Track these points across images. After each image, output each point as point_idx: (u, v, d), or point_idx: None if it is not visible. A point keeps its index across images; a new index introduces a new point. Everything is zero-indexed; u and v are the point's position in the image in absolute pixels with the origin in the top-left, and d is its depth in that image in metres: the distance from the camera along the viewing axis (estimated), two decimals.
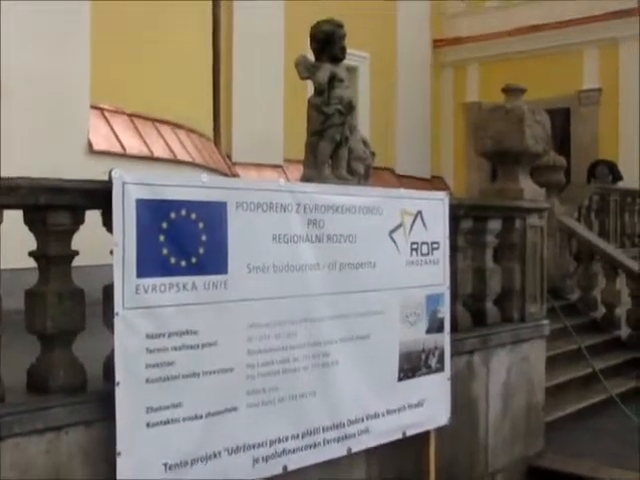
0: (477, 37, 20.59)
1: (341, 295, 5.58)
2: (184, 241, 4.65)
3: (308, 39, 6.78)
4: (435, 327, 6.43)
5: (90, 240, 4.80)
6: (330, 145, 6.16)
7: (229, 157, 15.24)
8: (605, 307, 12.57)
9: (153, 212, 4.51)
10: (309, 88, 6.80)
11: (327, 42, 6.32)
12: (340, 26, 6.38)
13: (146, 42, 10.74)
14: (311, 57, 6.52)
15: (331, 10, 16.53)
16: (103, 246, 4.46)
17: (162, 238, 4.54)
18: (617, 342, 12.13)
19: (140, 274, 4.43)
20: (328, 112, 6.10)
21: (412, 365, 6.22)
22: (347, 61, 6.79)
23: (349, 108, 6.23)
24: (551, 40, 19.23)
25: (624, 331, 12.35)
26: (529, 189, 8.27)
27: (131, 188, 4.42)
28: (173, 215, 4.59)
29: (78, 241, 4.62)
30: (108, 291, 4.44)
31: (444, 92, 21.32)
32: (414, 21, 20.57)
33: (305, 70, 6.26)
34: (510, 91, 8.40)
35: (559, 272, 12.65)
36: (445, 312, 6.52)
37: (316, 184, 5.76)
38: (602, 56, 18.82)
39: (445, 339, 6.54)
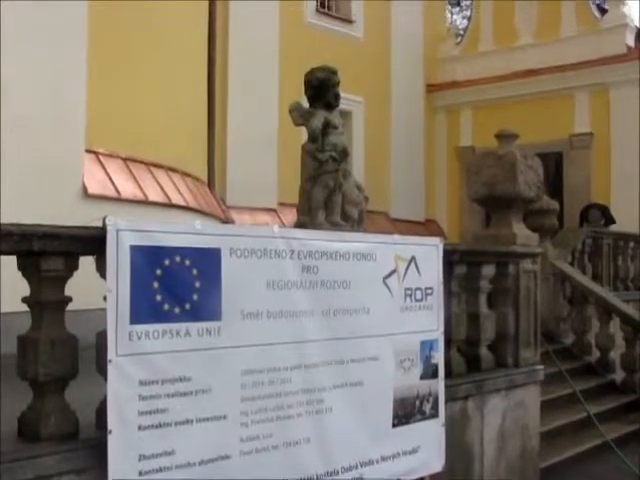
0: (470, 81, 20.80)
1: (335, 341, 5.57)
2: (178, 287, 4.64)
3: (302, 85, 6.85)
4: (429, 373, 6.40)
5: (84, 284, 4.79)
6: (324, 191, 6.18)
7: (223, 200, 15.28)
8: (599, 351, 12.55)
9: (147, 259, 4.51)
10: (303, 132, 6.85)
11: (321, 89, 6.36)
12: (334, 73, 6.44)
13: (141, 87, 10.82)
14: (305, 103, 6.57)
15: (326, 54, 16.85)
16: (97, 290, 4.46)
17: (156, 285, 4.54)
18: (612, 386, 12.08)
19: (134, 321, 4.42)
20: (322, 159, 6.13)
21: (406, 411, 6.19)
22: (341, 105, 6.83)
23: (343, 155, 6.27)
24: (543, 85, 19.44)
25: (619, 375, 12.32)
26: (522, 234, 8.29)
27: (125, 235, 4.43)
28: (167, 262, 4.59)
29: (71, 285, 4.62)
30: (101, 337, 4.43)
31: (438, 136, 21.47)
32: (408, 65, 20.77)
33: (299, 117, 6.30)
34: (503, 137, 8.46)
35: (553, 316, 12.65)
36: (439, 358, 6.50)
37: (310, 230, 5.77)
38: (593, 101, 19.02)
39: (439, 385, 6.51)
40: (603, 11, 20.18)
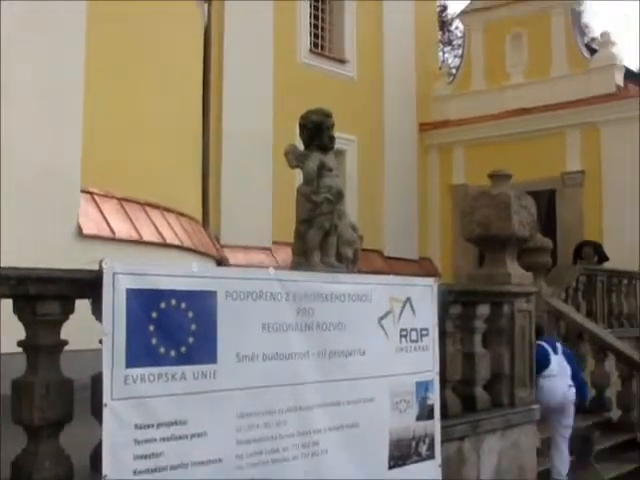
0: (463, 120, 20.96)
1: (331, 383, 5.56)
2: (174, 331, 4.65)
3: (297, 124, 6.90)
4: (425, 414, 6.39)
5: (79, 323, 4.79)
6: (319, 233, 6.22)
7: (217, 239, 15.30)
8: (595, 389, 12.51)
9: (143, 302, 4.52)
10: (298, 171, 6.89)
11: (316, 131, 6.42)
12: (329, 116, 6.50)
13: (137, 128, 10.89)
14: (300, 145, 6.63)
15: (319, 94, 17.01)
16: (92, 329, 4.46)
17: (152, 328, 4.54)
18: (608, 424, 12.04)
19: (129, 364, 4.42)
20: (317, 201, 6.17)
21: (402, 453, 6.16)
22: (335, 145, 6.89)
23: (338, 197, 6.31)
24: (535, 123, 19.60)
25: (615, 413, 12.28)
26: (516, 273, 8.32)
27: (121, 278, 4.44)
28: (163, 305, 4.60)
29: (66, 324, 4.61)
30: (96, 381, 4.42)
31: (431, 174, 21.59)
32: (401, 104, 20.93)
33: (294, 159, 6.35)
34: (496, 177, 8.51)
35: None
36: (435, 398, 6.48)
37: (305, 272, 5.79)
38: (584, 139, 19.18)
39: (435, 426, 6.49)
40: (592, 51, 20.42)
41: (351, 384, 5.72)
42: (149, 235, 10.95)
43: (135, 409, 4.42)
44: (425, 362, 6.42)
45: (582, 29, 27.04)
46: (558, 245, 17.60)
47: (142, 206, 11.18)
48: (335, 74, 19.25)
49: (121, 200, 10.84)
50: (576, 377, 9.78)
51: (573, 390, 9.58)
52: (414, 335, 6.28)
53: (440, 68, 23.89)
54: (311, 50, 18.98)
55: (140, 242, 10.68)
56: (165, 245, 11.16)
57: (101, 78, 10.11)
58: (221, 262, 14.49)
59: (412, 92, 21.56)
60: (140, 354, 4.47)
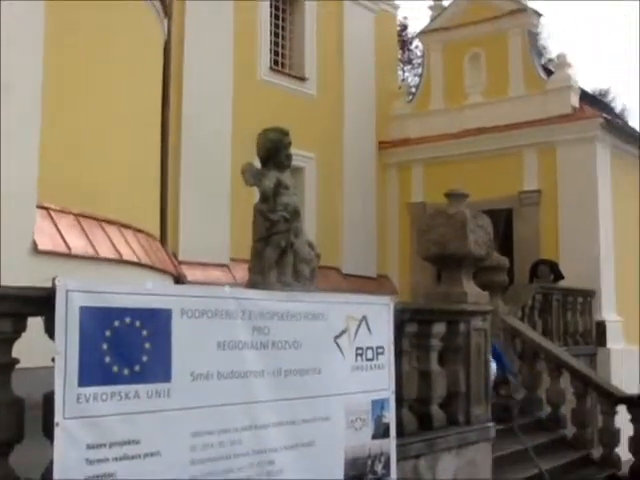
0: (421, 139, 21.08)
1: (286, 402, 5.56)
2: (127, 349, 4.62)
3: (255, 142, 6.90)
4: (381, 432, 6.40)
5: (31, 341, 4.73)
6: (275, 251, 6.22)
7: (175, 256, 15.22)
8: (550, 406, 12.63)
9: (97, 320, 4.49)
10: (257, 189, 6.88)
11: (273, 150, 6.44)
12: (286, 134, 6.52)
13: (94, 144, 10.81)
14: (257, 164, 6.63)
15: (279, 111, 17.03)
16: (46, 347, 4.41)
17: (105, 346, 4.51)
18: (563, 441, 12.16)
19: (82, 383, 4.39)
20: (274, 219, 6.18)
21: (358, 471, 6.17)
22: (294, 161, 6.90)
23: (295, 215, 6.32)
24: (493, 143, 19.77)
25: (570, 430, 12.40)
26: (472, 292, 8.38)
27: (75, 296, 4.40)
28: (117, 323, 4.58)
29: (19, 342, 4.56)
30: (48, 399, 4.37)
31: (389, 192, 21.65)
32: (360, 122, 21.01)
33: (251, 177, 6.35)
34: (453, 196, 8.59)
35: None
36: (391, 417, 6.51)
37: (261, 291, 5.79)
38: (541, 159, 19.38)
39: (391, 444, 6.50)
40: (549, 72, 20.69)
41: (306, 403, 5.72)
42: (106, 251, 10.86)
43: (87, 428, 4.38)
44: (381, 380, 6.44)
45: (539, 50, 27.46)
46: (515, 263, 17.74)
47: (99, 222, 11.09)
48: (295, 92, 19.28)
49: (78, 216, 10.74)
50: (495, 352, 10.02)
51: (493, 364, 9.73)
52: (370, 354, 6.30)
53: (400, 87, 23.99)
54: (271, 67, 19.00)
55: (97, 258, 10.57)
56: (122, 262, 11.06)
57: (58, 93, 10.04)
58: (179, 279, 14.42)
59: (372, 110, 21.66)
60: (93, 373, 4.44)
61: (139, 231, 12.25)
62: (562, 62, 19.94)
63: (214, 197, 16.33)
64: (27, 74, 9.50)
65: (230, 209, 16.45)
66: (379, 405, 6.40)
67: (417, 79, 26.64)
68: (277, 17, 19.69)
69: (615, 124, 19.87)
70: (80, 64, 10.49)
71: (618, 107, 47.21)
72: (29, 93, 9.54)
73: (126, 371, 4.58)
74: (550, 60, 31.55)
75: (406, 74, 39.78)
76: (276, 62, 19.43)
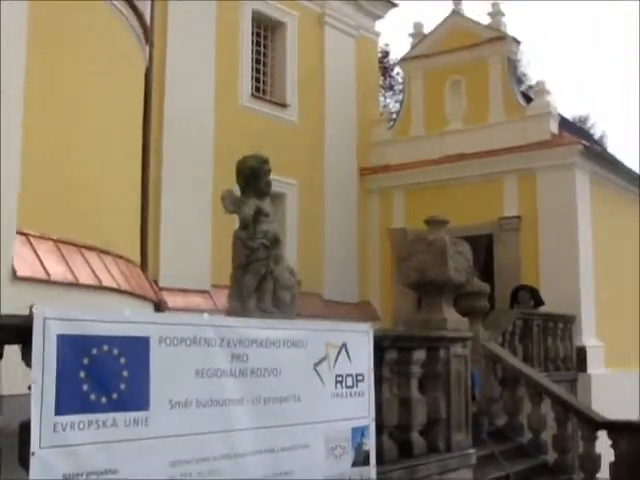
0: (402, 165, 21.16)
1: (265, 430, 5.54)
2: (105, 377, 4.60)
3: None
4: (361, 460, 6.38)
5: (9, 369, 4.70)
6: (255, 278, 6.22)
7: (156, 282, 15.16)
8: (531, 432, 12.63)
9: (74, 348, 4.47)
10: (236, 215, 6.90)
11: (253, 177, 6.46)
12: (265, 161, 6.55)
13: (74, 170, 10.79)
14: (237, 191, 6.65)
15: (260, 138, 17.09)
16: (23, 375, 4.38)
17: (83, 374, 4.48)
18: (544, 467, 12.16)
19: (59, 411, 4.35)
20: (253, 246, 6.19)
21: None
22: (275, 188, 6.94)
23: (274, 242, 6.34)
24: (473, 169, 19.88)
25: (551, 456, 12.40)
26: (452, 319, 8.41)
27: (52, 324, 4.38)
28: (95, 351, 4.55)
29: None
30: (24, 428, 4.33)
31: (371, 218, 21.69)
32: (341, 149, 21.09)
33: (231, 204, 6.37)
34: (433, 223, 8.63)
35: (485, 397, 12.73)
36: (371, 444, 6.49)
37: (240, 318, 5.79)
38: (521, 185, 19.49)
39: (371, 472, 6.49)
40: (528, 99, 20.88)
41: (286, 431, 5.70)
42: (85, 278, 10.80)
43: (64, 458, 4.35)
44: (361, 408, 6.43)
45: (519, 77, 27.72)
46: (495, 289, 17.80)
47: (79, 248, 11.04)
48: (276, 118, 19.34)
49: (57, 242, 10.69)
50: None
51: None
52: (350, 381, 6.30)
53: (381, 114, 24.13)
54: (252, 94, 19.06)
55: (76, 285, 10.52)
56: (102, 288, 11.01)
57: (39, 119, 10.03)
58: (159, 305, 14.35)
59: (353, 136, 21.74)
60: (70, 401, 4.41)
61: (119, 257, 12.20)
62: (541, 89, 20.13)
63: (195, 223, 16.31)
64: (5, 99, 9.49)
65: (211, 235, 16.42)
66: (359, 432, 6.38)
67: (399, 105, 26.76)
68: (258, 44, 19.79)
69: (594, 150, 20.05)
70: (59, 92, 10.49)
71: (597, 133, 47.71)
72: (9, 119, 9.52)
73: (104, 399, 4.55)
74: (530, 87, 31.78)
75: (388, 100, 39.99)
76: (257, 88, 19.51)
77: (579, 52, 76.49)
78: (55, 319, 4.39)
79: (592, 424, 11.90)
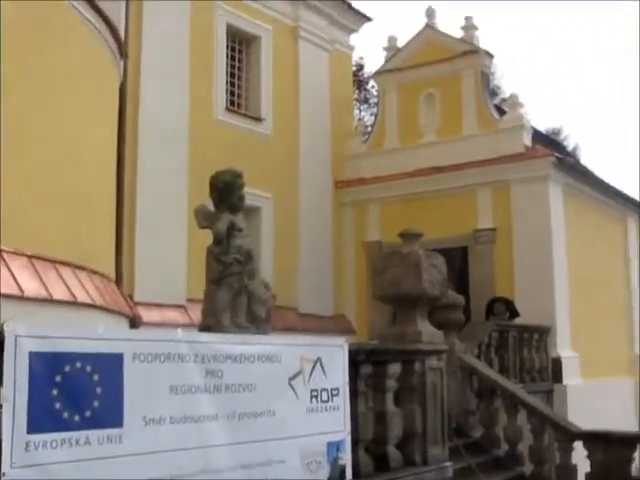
0: (377, 178, 21.20)
1: (240, 445, 5.52)
2: (78, 394, 4.57)
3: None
4: (337, 474, 6.38)
5: None
6: (229, 294, 6.21)
7: (131, 297, 15.08)
8: (508, 443, 12.65)
9: (47, 365, 4.44)
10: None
11: (226, 191, 6.46)
12: (239, 176, 6.54)
13: (48, 181, 10.72)
14: (211, 205, 6.64)
15: (235, 151, 17.08)
16: None
17: (55, 392, 4.46)
18: (521, 479, 12.18)
19: (31, 430, 4.32)
20: (226, 261, 6.19)
21: None
22: (250, 201, 6.93)
23: (247, 257, 6.33)
24: (447, 181, 19.97)
25: (527, 467, 12.42)
26: (427, 331, 8.42)
27: (24, 341, 4.35)
28: (67, 368, 4.53)
29: None
30: None
31: (346, 231, 21.71)
32: (316, 162, 21.12)
33: (203, 219, 6.36)
34: (407, 236, 8.65)
35: (461, 409, 12.76)
36: (347, 458, 6.49)
37: (214, 334, 5.78)
38: (495, 197, 19.58)
39: None
40: (502, 112, 21.02)
41: (261, 446, 5.69)
42: (60, 293, 10.72)
43: (36, 477, 4.31)
44: (336, 422, 6.43)
45: (493, 90, 27.90)
46: (471, 301, 17.87)
47: (53, 263, 10.97)
48: (251, 132, 19.34)
49: (31, 257, 10.62)
50: None
51: None
52: (325, 395, 6.29)
53: (356, 127, 24.21)
54: (227, 108, 19.05)
55: (50, 301, 10.44)
56: (76, 304, 10.93)
57: (11, 134, 9.97)
58: (134, 320, 14.27)
59: (327, 150, 21.77)
60: (42, 419, 4.38)
61: (94, 272, 12.13)
62: (514, 102, 20.27)
63: (171, 237, 16.26)
64: None
65: (187, 249, 16.36)
66: (335, 447, 6.38)
67: (374, 118, 26.83)
68: (233, 57, 19.81)
69: (567, 163, 20.18)
70: (32, 107, 10.43)
71: (570, 145, 48.10)
72: None
73: (77, 417, 4.53)
74: (504, 100, 32.01)
75: (363, 113, 40.17)
76: (232, 102, 19.51)
77: (552, 65, 77.22)
78: (27, 336, 4.36)
79: (568, 435, 11.96)
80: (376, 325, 18.17)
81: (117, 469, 4.70)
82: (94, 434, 4.60)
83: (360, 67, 38.73)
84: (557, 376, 17.97)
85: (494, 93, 35.76)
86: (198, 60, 17.95)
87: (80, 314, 10.79)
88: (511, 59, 70.94)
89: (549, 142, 25.17)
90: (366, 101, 41.31)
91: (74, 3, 11.15)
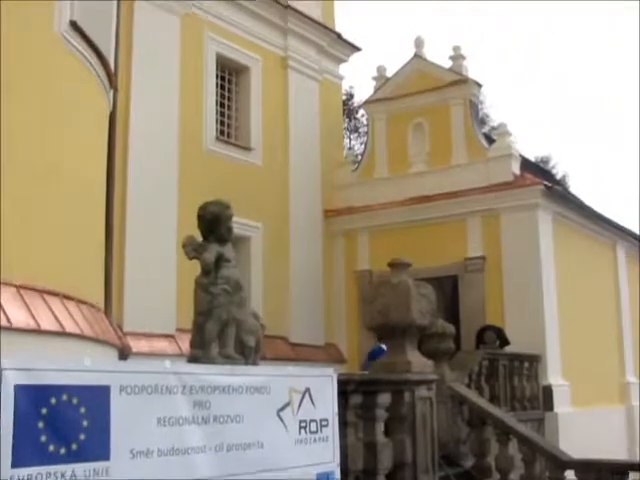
0: (366, 207, 21.25)
1: (229, 477, 5.47)
2: (64, 427, 4.53)
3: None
4: None
5: None
6: (217, 325, 6.19)
7: (120, 327, 15.01)
8: (499, 473, 12.57)
9: (32, 398, 4.40)
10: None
11: (214, 223, 6.45)
12: (227, 207, 6.54)
13: (37, 211, 10.71)
14: (199, 236, 6.64)
15: (225, 181, 17.10)
16: None
17: (41, 425, 4.42)
18: None
19: (16, 464, 4.27)
20: (214, 292, 6.17)
21: None
22: (240, 231, 6.94)
23: (236, 287, 6.32)
24: (437, 210, 20.02)
25: None
26: (417, 361, 8.41)
27: (9, 374, 4.32)
28: (53, 400, 4.49)
29: None
30: None
31: (336, 260, 21.71)
32: (306, 191, 21.16)
33: (192, 250, 6.35)
34: (396, 266, 8.66)
35: (452, 439, 12.69)
36: None
37: (202, 365, 5.75)
38: (484, 226, 19.63)
39: None
40: (491, 141, 21.13)
41: (250, 478, 5.64)
42: (47, 324, 10.67)
43: None
44: (326, 453, 6.38)
45: (481, 119, 28.06)
46: (461, 330, 17.86)
47: (40, 293, 10.92)
48: (241, 161, 19.39)
49: (19, 288, 10.58)
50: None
51: None
52: (314, 426, 6.26)
53: (346, 156, 24.28)
54: (217, 137, 19.10)
55: (38, 331, 10.39)
56: (64, 334, 10.88)
57: (1, 166, 9.96)
58: (123, 350, 14.20)
59: (317, 179, 21.82)
60: (28, 453, 4.33)
61: (82, 302, 12.08)
62: (503, 131, 20.40)
63: (160, 267, 16.23)
64: None
65: (176, 279, 16.33)
66: (324, 478, 6.33)
67: (363, 147, 26.98)
68: (223, 87, 19.89)
69: (556, 191, 20.27)
70: (20, 137, 10.44)
71: (559, 174, 48.36)
72: None
73: (63, 450, 4.48)
74: (493, 128, 32.23)
75: (353, 142, 40.39)
76: (222, 132, 19.56)
77: (542, 94, 77.79)
78: (12, 369, 4.33)
79: (559, 464, 11.89)
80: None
81: None
82: (80, 467, 4.55)
83: (350, 96, 38.99)
84: (548, 404, 17.94)
85: (483, 122, 36.01)
86: (188, 89, 18.02)
87: (68, 344, 10.73)
88: (500, 87, 71.47)
89: (538, 170, 25.32)
90: (356, 130, 41.56)
91: (64, 34, 11.20)
